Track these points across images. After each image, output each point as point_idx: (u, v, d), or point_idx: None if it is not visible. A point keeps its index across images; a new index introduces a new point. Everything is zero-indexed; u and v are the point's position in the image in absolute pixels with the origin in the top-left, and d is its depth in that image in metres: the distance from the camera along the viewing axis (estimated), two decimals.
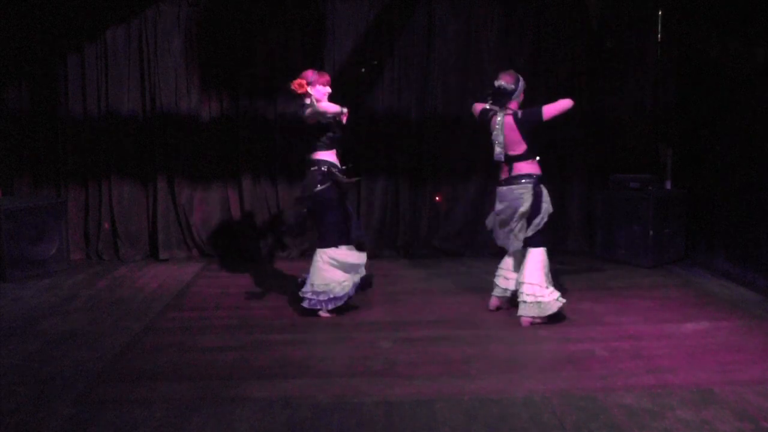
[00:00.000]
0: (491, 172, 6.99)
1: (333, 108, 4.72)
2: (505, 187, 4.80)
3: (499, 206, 4.85)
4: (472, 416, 3.33)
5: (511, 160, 4.77)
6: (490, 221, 5.03)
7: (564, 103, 4.64)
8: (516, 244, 4.78)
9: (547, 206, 4.75)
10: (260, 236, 7.00)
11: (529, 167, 4.74)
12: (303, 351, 4.25)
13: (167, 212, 6.92)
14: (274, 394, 3.57)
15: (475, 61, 6.93)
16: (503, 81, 4.71)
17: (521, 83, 4.74)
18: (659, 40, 6.85)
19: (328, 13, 6.81)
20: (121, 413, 3.35)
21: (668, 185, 6.77)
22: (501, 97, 4.73)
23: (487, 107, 4.80)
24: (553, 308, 4.64)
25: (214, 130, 6.91)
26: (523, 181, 4.72)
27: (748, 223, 5.80)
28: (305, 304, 4.88)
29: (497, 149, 4.72)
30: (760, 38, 5.61)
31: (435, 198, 7.09)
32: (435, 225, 7.14)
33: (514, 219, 4.73)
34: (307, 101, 4.70)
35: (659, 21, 6.83)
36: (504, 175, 4.84)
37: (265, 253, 6.97)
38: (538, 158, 4.77)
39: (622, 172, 6.82)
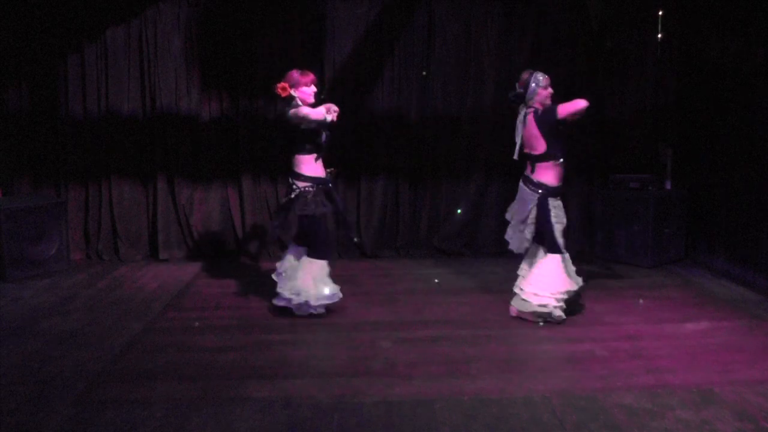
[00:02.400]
0: (491, 172, 7.05)
1: (316, 114, 4.63)
2: (521, 183, 4.85)
3: (516, 200, 4.94)
4: (472, 416, 3.33)
5: (532, 159, 4.75)
6: (509, 213, 5.06)
7: (578, 104, 4.55)
8: (520, 244, 4.87)
9: (556, 221, 4.69)
10: (260, 236, 7.00)
11: (545, 174, 4.70)
12: (303, 351, 4.26)
13: (167, 212, 6.92)
14: (274, 394, 3.58)
15: (475, 61, 6.93)
16: (517, 85, 4.77)
17: (536, 84, 4.67)
18: (659, 40, 6.85)
19: (328, 13, 6.81)
20: (121, 413, 3.35)
21: (668, 185, 6.77)
22: (519, 101, 4.80)
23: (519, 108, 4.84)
24: (540, 310, 4.69)
25: (214, 130, 6.91)
26: (532, 187, 4.73)
27: (748, 223, 5.80)
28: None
29: (516, 148, 4.76)
30: (760, 38, 5.62)
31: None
32: (435, 225, 7.14)
33: (521, 220, 4.80)
34: (294, 103, 4.73)
35: (659, 21, 6.83)
36: (527, 172, 4.84)
37: (264, 253, 6.97)
38: (561, 160, 4.69)
39: (622, 172, 6.82)
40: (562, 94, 6.92)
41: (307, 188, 4.79)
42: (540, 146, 4.68)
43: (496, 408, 3.41)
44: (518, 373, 3.86)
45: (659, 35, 6.84)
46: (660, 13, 6.81)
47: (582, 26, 6.89)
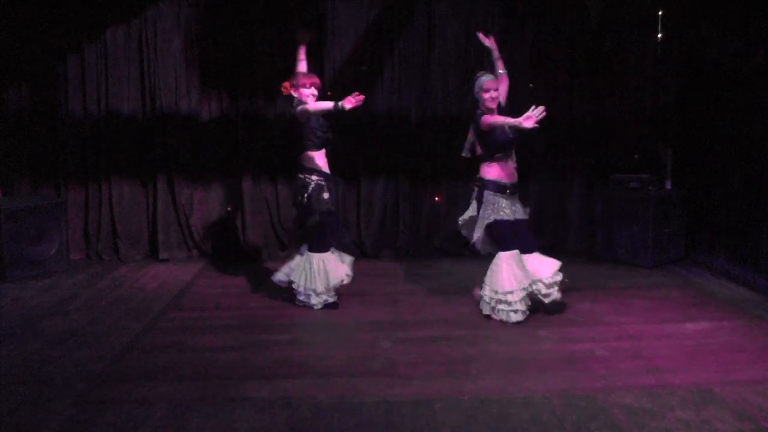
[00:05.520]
0: None
1: (322, 105, 4.78)
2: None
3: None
4: (472, 416, 3.33)
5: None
6: None
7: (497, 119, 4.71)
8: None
9: (491, 215, 4.83)
10: (260, 236, 7.01)
11: (482, 170, 4.94)
12: (303, 351, 4.26)
13: (167, 212, 6.92)
14: (274, 394, 3.58)
15: (475, 62, 6.92)
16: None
17: (475, 88, 4.85)
18: (659, 40, 6.85)
19: (328, 13, 6.81)
20: (121, 413, 3.36)
21: (668, 185, 6.77)
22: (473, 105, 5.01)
23: None
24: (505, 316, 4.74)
25: (214, 130, 6.91)
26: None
27: (748, 223, 5.80)
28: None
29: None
30: (760, 38, 5.61)
31: (435, 198, 7.08)
32: (435, 225, 7.14)
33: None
34: (296, 102, 4.98)
35: (659, 21, 6.83)
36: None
37: (265, 253, 6.97)
38: (500, 155, 4.90)
39: (622, 172, 6.82)
40: (562, 95, 6.93)
41: (320, 182, 5.03)
42: (478, 148, 4.94)
43: (496, 408, 3.41)
44: (518, 373, 3.86)
45: (659, 35, 6.84)
46: (660, 13, 6.80)
47: (582, 26, 6.88)
